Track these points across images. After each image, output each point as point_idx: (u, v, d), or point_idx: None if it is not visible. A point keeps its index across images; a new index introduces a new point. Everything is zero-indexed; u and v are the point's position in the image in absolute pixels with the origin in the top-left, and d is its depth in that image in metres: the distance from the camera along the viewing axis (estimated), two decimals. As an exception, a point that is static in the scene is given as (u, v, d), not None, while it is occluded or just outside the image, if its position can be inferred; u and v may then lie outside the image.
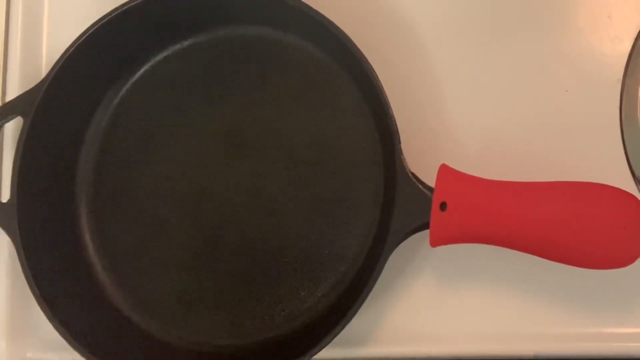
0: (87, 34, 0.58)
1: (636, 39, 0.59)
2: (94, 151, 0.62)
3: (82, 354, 0.55)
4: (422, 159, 0.56)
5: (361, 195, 0.58)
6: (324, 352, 0.53)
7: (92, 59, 0.59)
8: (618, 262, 0.50)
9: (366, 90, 0.57)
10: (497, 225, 0.51)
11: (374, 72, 0.55)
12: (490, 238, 0.52)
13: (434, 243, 0.52)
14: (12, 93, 0.63)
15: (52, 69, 0.58)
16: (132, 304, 0.60)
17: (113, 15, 0.58)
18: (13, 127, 0.63)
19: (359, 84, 0.58)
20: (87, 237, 0.61)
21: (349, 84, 0.59)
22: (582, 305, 0.56)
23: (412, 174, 0.53)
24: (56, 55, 0.58)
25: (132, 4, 0.58)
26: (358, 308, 0.52)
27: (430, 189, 0.52)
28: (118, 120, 0.62)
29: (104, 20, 0.58)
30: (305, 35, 0.59)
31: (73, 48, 0.58)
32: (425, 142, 0.59)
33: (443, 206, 0.51)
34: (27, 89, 0.59)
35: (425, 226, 0.52)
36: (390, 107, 0.54)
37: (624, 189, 0.50)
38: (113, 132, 0.62)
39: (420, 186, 0.53)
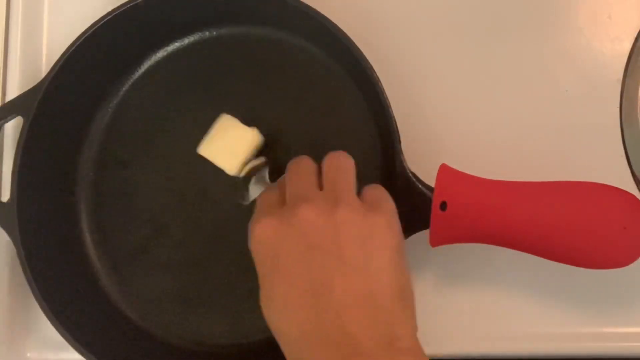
0: (87, 34, 0.58)
1: (636, 39, 0.59)
2: (94, 151, 0.62)
3: (82, 354, 0.55)
4: (422, 159, 0.56)
5: (361, 195, 0.58)
6: (324, 352, 0.53)
7: (92, 58, 0.59)
8: (618, 262, 0.50)
9: (366, 90, 0.57)
10: (497, 225, 0.51)
11: (374, 72, 0.55)
12: (490, 238, 0.52)
13: (434, 243, 0.52)
14: (12, 93, 0.63)
15: (52, 69, 0.58)
16: (132, 304, 0.60)
17: (113, 15, 0.58)
18: (13, 127, 0.63)
19: (359, 84, 0.58)
20: (87, 237, 0.61)
21: (349, 84, 0.59)
22: (582, 305, 0.56)
23: (412, 173, 0.53)
24: (56, 55, 0.58)
25: (131, 4, 0.58)
26: (358, 308, 0.52)
27: (431, 189, 0.52)
28: (118, 120, 0.62)
29: (104, 20, 0.58)
30: (306, 35, 0.59)
31: (73, 48, 0.58)
32: (425, 142, 0.59)
33: (443, 206, 0.51)
34: (27, 89, 0.59)
35: (425, 226, 0.52)
36: (390, 107, 0.54)
37: (624, 189, 0.50)
38: (113, 132, 0.62)
39: (420, 186, 0.53)
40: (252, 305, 0.58)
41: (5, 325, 0.61)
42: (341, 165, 0.51)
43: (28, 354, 0.62)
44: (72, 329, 0.55)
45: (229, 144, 0.58)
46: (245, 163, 0.58)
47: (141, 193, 0.61)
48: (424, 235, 0.53)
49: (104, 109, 0.62)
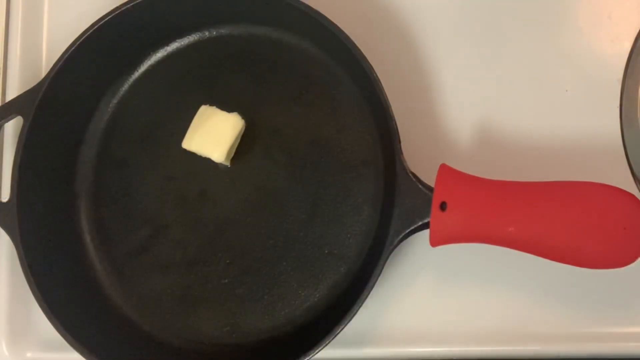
0: (87, 34, 0.58)
1: (636, 39, 0.59)
2: (94, 151, 0.62)
3: (83, 354, 0.55)
4: (422, 159, 0.56)
5: (361, 195, 0.58)
6: (324, 352, 0.53)
7: (92, 58, 0.59)
8: (618, 262, 0.50)
9: (366, 90, 0.57)
10: (497, 225, 0.51)
11: (374, 71, 0.55)
12: (490, 238, 0.52)
13: (434, 243, 0.52)
14: (12, 93, 0.63)
15: (52, 69, 0.58)
16: (132, 304, 0.60)
17: (113, 15, 0.58)
18: (13, 127, 0.63)
19: (359, 84, 0.58)
20: (87, 237, 0.61)
21: (349, 84, 0.59)
22: (582, 305, 0.56)
23: (412, 173, 0.53)
24: (56, 55, 0.58)
25: (132, 4, 0.58)
26: (358, 308, 0.52)
27: (430, 189, 0.52)
28: (118, 120, 0.62)
29: (104, 20, 0.58)
30: (306, 34, 0.59)
31: (73, 48, 0.58)
32: (425, 142, 0.59)
33: (443, 206, 0.51)
34: (27, 89, 0.59)
35: (425, 226, 0.52)
36: (390, 107, 0.54)
37: (624, 189, 0.50)
38: (113, 132, 0.62)
39: (420, 186, 0.53)
40: (252, 305, 0.58)
41: (5, 325, 0.61)
42: None
43: (28, 354, 0.62)
44: (72, 329, 0.55)
45: (212, 132, 0.58)
46: (231, 149, 0.58)
47: (141, 193, 0.61)
48: (424, 235, 0.53)
49: (103, 109, 0.62)
